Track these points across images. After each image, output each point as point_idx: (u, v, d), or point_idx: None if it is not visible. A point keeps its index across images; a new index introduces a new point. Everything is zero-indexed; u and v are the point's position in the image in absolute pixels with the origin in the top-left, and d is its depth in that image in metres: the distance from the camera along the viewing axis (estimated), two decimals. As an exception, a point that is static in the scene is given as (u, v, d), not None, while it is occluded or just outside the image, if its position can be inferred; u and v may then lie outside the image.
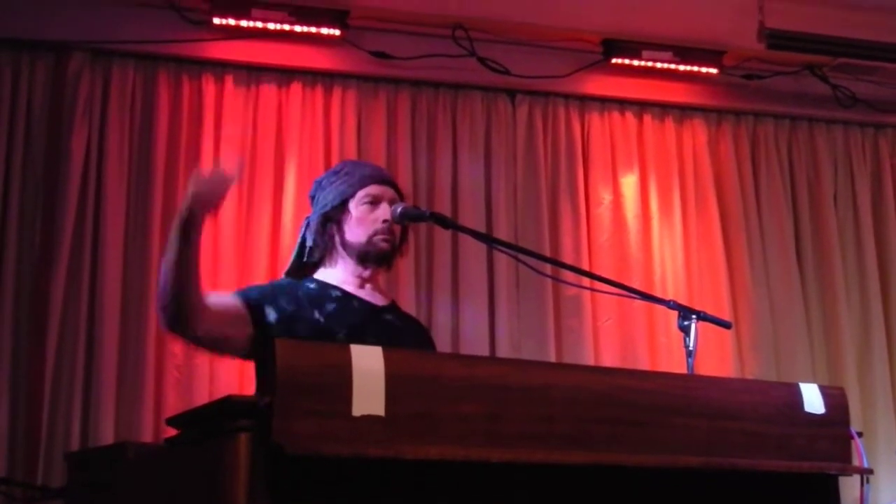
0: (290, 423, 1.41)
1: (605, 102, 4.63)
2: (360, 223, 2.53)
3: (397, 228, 2.58)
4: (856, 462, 1.93)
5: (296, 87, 4.24)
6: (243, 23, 4.09)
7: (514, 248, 2.80)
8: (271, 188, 4.11)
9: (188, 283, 2.25)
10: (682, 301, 2.47)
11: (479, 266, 4.24)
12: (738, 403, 1.81)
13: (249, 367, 2.88)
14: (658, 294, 3.88)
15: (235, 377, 3.78)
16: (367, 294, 2.56)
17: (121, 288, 3.86)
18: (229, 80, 4.18)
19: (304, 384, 1.44)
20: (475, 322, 4.19)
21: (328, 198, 2.57)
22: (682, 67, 4.58)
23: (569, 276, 3.74)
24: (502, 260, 4.22)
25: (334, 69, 4.29)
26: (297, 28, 4.15)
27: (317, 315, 2.44)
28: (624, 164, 4.57)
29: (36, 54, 3.99)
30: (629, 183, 4.54)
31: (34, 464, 3.63)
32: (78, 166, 3.90)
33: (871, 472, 1.96)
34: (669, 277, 4.46)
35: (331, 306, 2.47)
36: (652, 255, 4.49)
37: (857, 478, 1.96)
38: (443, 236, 4.19)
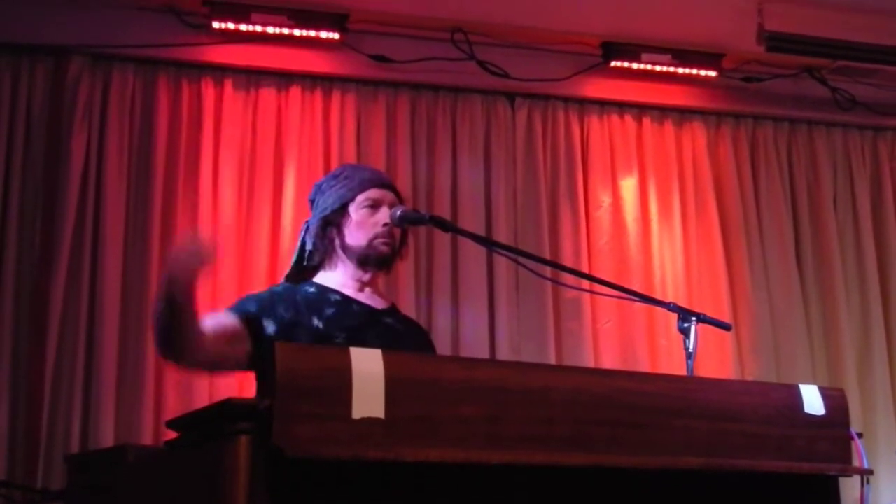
0: (290, 426, 1.41)
1: (604, 105, 4.64)
2: (361, 227, 2.53)
3: (397, 232, 2.58)
4: (856, 463, 1.93)
5: (295, 91, 4.24)
6: (243, 27, 4.10)
7: (513, 251, 2.80)
8: (271, 192, 4.11)
9: (184, 330, 2.22)
10: (682, 303, 2.47)
11: (478, 269, 4.25)
12: (738, 405, 1.81)
13: (249, 371, 2.88)
14: (658, 296, 3.87)
15: (235, 380, 3.77)
16: (366, 297, 2.57)
17: (120, 290, 3.86)
18: (229, 84, 4.18)
19: (303, 387, 1.44)
20: (475, 325, 4.20)
21: (328, 201, 2.58)
22: (681, 70, 4.58)
23: (568, 278, 3.74)
24: (502, 263, 4.23)
25: (333, 73, 4.29)
26: (297, 32, 4.15)
27: (315, 322, 2.43)
28: (623, 166, 4.57)
29: (36, 58, 4.00)
30: (628, 186, 4.54)
31: (34, 466, 3.63)
32: (78, 170, 3.90)
33: (871, 473, 1.95)
34: (669, 280, 4.47)
35: (330, 310, 2.47)
36: (651, 257, 4.49)
37: (857, 479, 1.96)
38: (442, 239, 4.20)
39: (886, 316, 4.73)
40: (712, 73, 4.62)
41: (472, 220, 4.25)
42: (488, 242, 3.41)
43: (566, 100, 4.57)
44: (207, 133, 4.09)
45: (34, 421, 3.67)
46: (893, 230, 4.84)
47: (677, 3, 4.27)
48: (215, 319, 2.38)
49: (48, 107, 3.97)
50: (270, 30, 4.13)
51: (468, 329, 4.18)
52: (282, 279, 2.67)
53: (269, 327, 2.39)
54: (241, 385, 3.74)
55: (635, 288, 4.01)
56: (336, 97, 4.28)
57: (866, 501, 1.99)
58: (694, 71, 4.60)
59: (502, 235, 4.27)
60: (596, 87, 4.59)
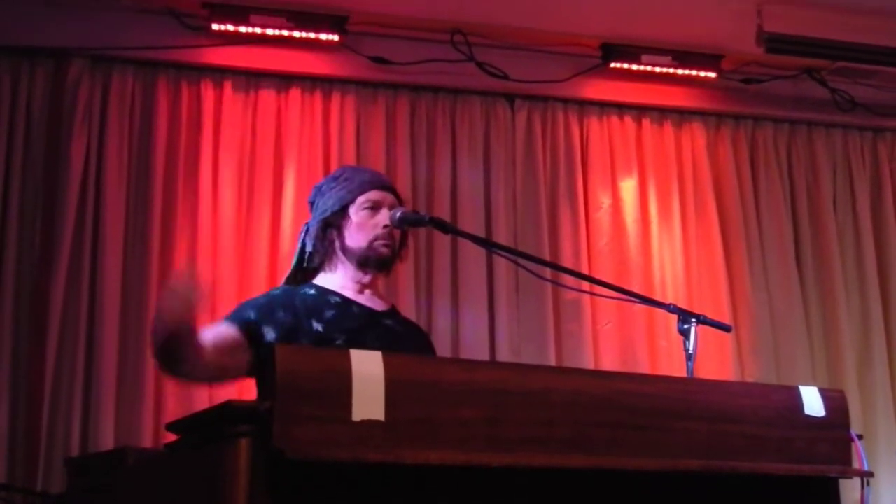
0: (291, 429, 1.41)
1: (603, 107, 4.64)
2: (361, 228, 2.53)
3: (397, 233, 2.58)
4: (856, 465, 1.93)
5: (295, 93, 4.24)
6: (242, 29, 4.10)
7: (513, 253, 2.80)
8: (270, 193, 4.11)
9: (184, 354, 2.20)
10: (682, 305, 2.47)
11: (478, 270, 4.25)
12: (738, 407, 1.81)
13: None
14: (658, 298, 3.87)
15: (235, 383, 3.78)
16: (366, 299, 2.57)
17: (120, 292, 3.86)
18: (228, 86, 4.18)
19: (304, 389, 1.44)
20: (475, 326, 4.20)
21: (328, 203, 2.58)
22: (680, 71, 4.58)
23: (568, 280, 3.74)
24: (502, 264, 4.23)
25: (333, 75, 4.29)
26: (296, 34, 4.15)
27: (315, 325, 2.43)
28: (623, 168, 4.57)
29: (35, 61, 4.00)
30: (628, 187, 4.54)
31: (34, 469, 3.63)
32: (77, 172, 3.90)
33: (871, 474, 1.95)
34: (669, 281, 4.47)
35: (330, 313, 2.47)
36: (651, 258, 4.49)
37: (857, 480, 1.96)
38: (442, 241, 4.20)
39: (886, 317, 4.73)
40: (712, 75, 4.62)
41: (471, 221, 4.25)
42: (488, 244, 3.40)
43: (566, 101, 4.57)
44: (207, 135, 4.09)
45: (34, 423, 3.67)
46: (893, 231, 4.84)
47: (677, 5, 4.26)
48: (215, 332, 2.36)
49: (48, 109, 3.97)
50: (270, 32, 4.13)
51: (468, 331, 4.18)
52: (282, 281, 2.67)
53: (269, 334, 2.38)
54: (241, 388, 3.72)
55: (635, 289, 4.00)
56: (336, 99, 4.28)
57: (866, 503, 1.99)
58: (693, 72, 4.60)
59: (502, 237, 4.27)
60: (595, 89, 4.59)
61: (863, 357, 4.65)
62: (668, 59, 4.54)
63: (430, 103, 4.42)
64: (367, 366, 1.49)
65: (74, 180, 3.89)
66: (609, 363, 4.27)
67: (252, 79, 4.22)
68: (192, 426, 1.62)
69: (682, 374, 2.27)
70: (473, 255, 4.21)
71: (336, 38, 4.19)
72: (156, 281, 3.89)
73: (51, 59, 4.01)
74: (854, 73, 4.71)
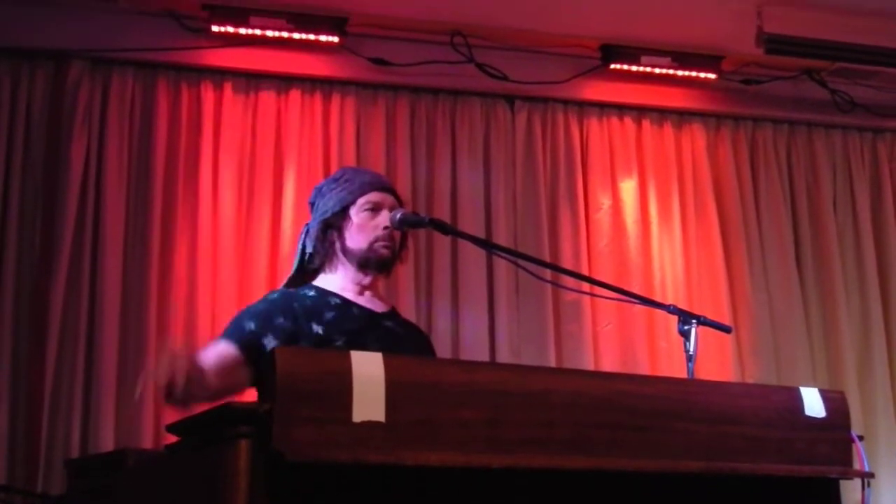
0: (291, 430, 1.41)
1: (603, 108, 4.64)
2: (361, 230, 2.54)
3: (397, 235, 2.58)
4: (857, 466, 1.93)
5: (295, 94, 4.24)
6: (242, 30, 4.10)
7: (513, 254, 2.80)
8: (270, 195, 4.11)
9: (194, 395, 2.16)
10: (682, 306, 2.47)
11: (478, 272, 4.24)
12: (738, 408, 1.81)
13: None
14: (658, 299, 3.87)
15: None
16: (366, 301, 2.57)
17: (120, 294, 3.86)
18: (228, 88, 4.18)
19: (304, 391, 1.44)
20: (475, 328, 4.19)
21: (328, 204, 2.58)
22: (680, 73, 4.58)
23: (568, 281, 3.75)
24: (502, 265, 4.22)
25: (333, 76, 4.29)
26: (296, 35, 4.15)
27: (315, 327, 2.42)
28: (623, 169, 4.57)
29: (35, 63, 4.00)
30: (628, 188, 4.54)
31: (34, 471, 3.63)
32: (77, 173, 3.90)
33: (871, 475, 1.95)
34: (669, 282, 4.46)
35: (329, 314, 2.47)
36: (651, 259, 4.49)
37: (857, 481, 1.96)
38: (442, 242, 4.20)
39: (886, 317, 4.73)
40: (712, 76, 4.62)
41: (471, 222, 4.25)
42: (488, 245, 3.41)
43: (566, 102, 4.58)
44: (207, 136, 4.09)
45: (34, 425, 3.67)
46: (893, 232, 4.84)
47: (676, 6, 4.26)
48: (216, 352, 2.35)
49: (48, 110, 3.97)
50: (270, 33, 4.13)
51: (468, 332, 4.18)
52: (281, 283, 2.67)
53: (270, 343, 2.38)
54: (242, 388, 3.74)
55: (635, 290, 4.00)
56: (336, 100, 4.28)
57: (867, 504, 1.99)
58: (693, 73, 4.60)
59: (502, 238, 4.27)
60: (595, 90, 4.59)
61: (863, 358, 4.65)
62: (667, 60, 4.54)
63: (430, 105, 4.42)
64: (368, 367, 1.49)
65: (74, 182, 3.89)
66: (609, 364, 4.27)
67: (252, 80, 4.22)
68: (192, 428, 1.62)
69: (683, 375, 2.27)
70: (473, 257, 4.21)
71: (336, 39, 4.20)
72: (156, 282, 3.89)
73: (51, 61, 4.01)
74: (854, 73, 4.71)
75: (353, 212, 2.55)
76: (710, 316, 2.40)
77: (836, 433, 1.89)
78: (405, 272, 3.96)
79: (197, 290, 3.90)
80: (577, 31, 4.42)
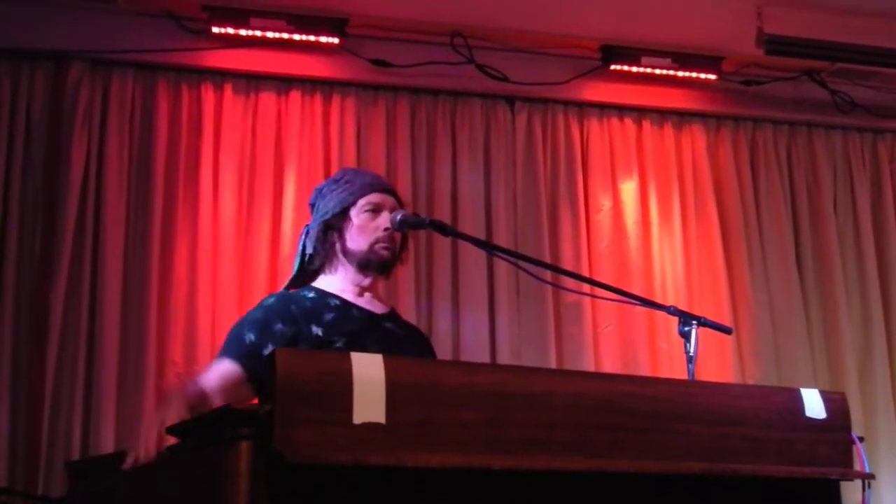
0: (291, 431, 1.41)
1: (604, 109, 4.64)
2: (362, 231, 2.54)
3: (397, 236, 2.58)
4: (857, 467, 1.92)
5: (295, 96, 4.24)
6: (242, 31, 4.10)
7: (514, 255, 2.79)
8: (271, 196, 4.11)
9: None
10: (683, 307, 2.47)
11: (479, 273, 4.24)
12: (739, 409, 1.81)
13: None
14: (658, 300, 3.87)
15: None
16: (366, 302, 2.57)
17: (121, 296, 3.86)
18: (228, 89, 4.18)
19: (304, 392, 1.44)
20: (475, 329, 4.19)
21: (329, 205, 2.58)
22: (680, 73, 4.58)
23: (569, 282, 3.75)
24: (502, 267, 4.22)
25: (333, 77, 4.29)
26: (296, 36, 4.15)
27: (314, 329, 2.42)
28: (623, 170, 4.57)
29: (35, 64, 4.00)
30: (628, 189, 4.54)
31: (35, 473, 3.62)
32: (77, 175, 3.90)
33: (872, 477, 1.95)
34: (669, 283, 4.46)
35: (329, 316, 2.47)
36: (652, 261, 4.49)
37: (858, 483, 1.96)
38: (443, 244, 4.19)
39: (887, 318, 4.72)
40: (712, 77, 4.62)
41: (472, 223, 4.25)
42: (488, 246, 3.41)
43: (566, 103, 4.57)
44: (207, 138, 4.09)
45: (35, 427, 3.66)
46: (894, 232, 4.84)
47: (676, 7, 4.26)
48: (218, 374, 2.34)
49: (48, 112, 3.97)
50: (270, 34, 4.13)
51: (468, 333, 4.18)
52: (282, 285, 2.67)
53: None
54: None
55: (636, 291, 4.00)
56: (336, 101, 4.28)
57: (867, 505, 1.99)
58: (693, 74, 4.60)
59: (502, 239, 4.27)
60: (595, 91, 4.59)
61: (864, 358, 4.65)
62: (667, 60, 4.54)
63: (431, 106, 4.42)
64: (368, 368, 1.49)
65: (75, 183, 3.89)
66: (610, 365, 4.27)
67: (252, 81, 4.22)
68: (192, 429, 1.63)
69: (683, 376, 2.27)
70: (474, 258, 4.21)
71: (336, 40, 4.20)
72: (156, 283, 3.88)
73: (51, 62, 4.01)
74: (854, 74, 4.71)
75: (353, 213, 2.55)
76: (711, 317, 2.40)
77: (836, 434, 1.89)
78: (406, 274, 3.96)
79: (197, 291, 3.90)
80: (578, 31, 4.42)
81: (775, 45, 4.37)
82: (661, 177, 4.61)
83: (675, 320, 2.34)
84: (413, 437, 1.49)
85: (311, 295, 2.53)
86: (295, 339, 2.39)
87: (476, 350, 4.14)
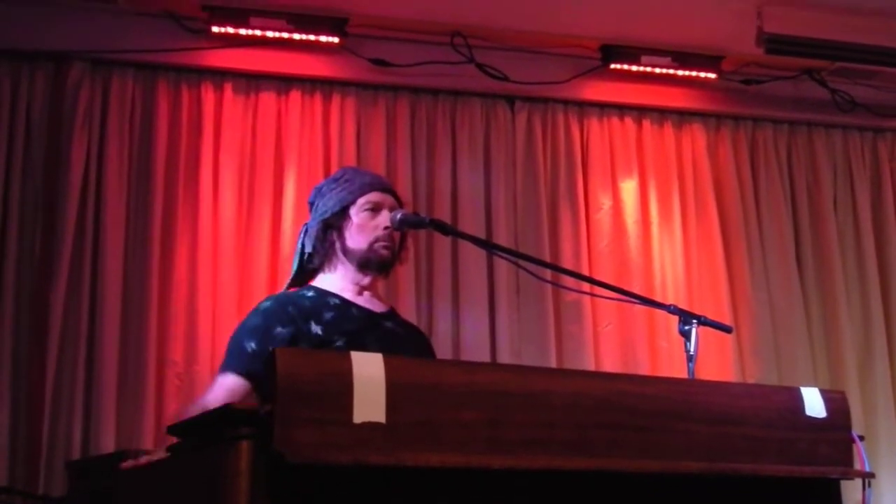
0: (291, 431, 1.41)
1: (604, 108, 4.64)
2: (361, 230, 2.54)
3: (397, 235, 2.58)
4: (857, 466, 1.92)
5: (295, 95, 4.24)
6: (242, 31, 4.10)
7: (514, 254, 2.80)
8: (271, 196, 4.11)
9: None
10: (683, 306, 2.47)
11: (479, 272, 4.24)
12: (739, 408, 1.81)
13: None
14: (658, 299, 3.87)
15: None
16: (365, 301, 2.57)
17: (121, 297, 3.86)
18: (228, 89, 4.18)
19: (304, 392, 1.44)
20: (475, 328, 4.19)
21: (328, 204, 2.58)
22: (680, 73, 4.58)
23: (569, 281, 3.75)
24: (502, 266, 4.22)
25: (333, 77, 4.29)
26: (296, 36, 4.15)
27: (314, 328, 2.42)
28: (623, 169, 4.57)
29: (35, 64, 4.00)
30: (628, 188, 4.54)
31: (35, 473, 3.62)
32: (78, 175, 3.90)
33: (872, 475, 1.95)
34: (669, 282, 4.46)
35: (329, 315, 2.47)
36: (652, 260, 4.49)
37: (858, 482, 1.96)
38: (443, 243, 4.19)
39: (887, 317, 4.72)
40: (712, 76, 4.62)
41: (472, 223, 4.25)
42: (488, 246, 3.41)
43: (566, 102, 4.57)
44: (207, 137, 4.09)
45: (35, 427, 3.66)
46: (894, 231, 4.83)
47: (676, 6, 4.26)
48: (224, 390, 2.34)
49: (48, 112, 3.97)
50: (270, 34, 4.13)
51: (469, 333, 4.18)
52: (282, 285, 2.67)
53: None
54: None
55: (636, 290, 3.99)
56: (336, 101, 4.28)
57: (868, 504, 1.99)
58: (693, 73, 4.60)
59: (502, 238, 4.27)
60: (595, 90, 4.59)
61: (864, 357, 4.65)
62: (667, 60, 4.54)
63: (431, 105, 4.42)
64: (368, 368, 1.49)
65: (75, 183, 3.89)
66: (610, 365, 4.27)
67: (252, 81, 4.22)
68: (193, 429, 1.62)
69: (683, 375, 2.27)
70: (474, 257, 4.21)
71: (336, 40, 4.20)
72: (156, 283, 3.88)
73: (51, 63, 4.01)
74: (854, 73, 4.71)
75: (353, 212, 2.55)
76: (711, 316, 2.40)
77: (836, 433, 1.89)
78: (405, 273, 3.96)
79: (197, 291, 3.90)
80: (577, 31, 4.42)
81: (775, 44, 4.37)
82: (661, 176, 4.61)
83: (675, 319, 2.34)
84: (413, 436, 1.49)
85: (311, 294, 2.53)
86: (294, 339, 2.39)
87: (476, 349, 4.14)
